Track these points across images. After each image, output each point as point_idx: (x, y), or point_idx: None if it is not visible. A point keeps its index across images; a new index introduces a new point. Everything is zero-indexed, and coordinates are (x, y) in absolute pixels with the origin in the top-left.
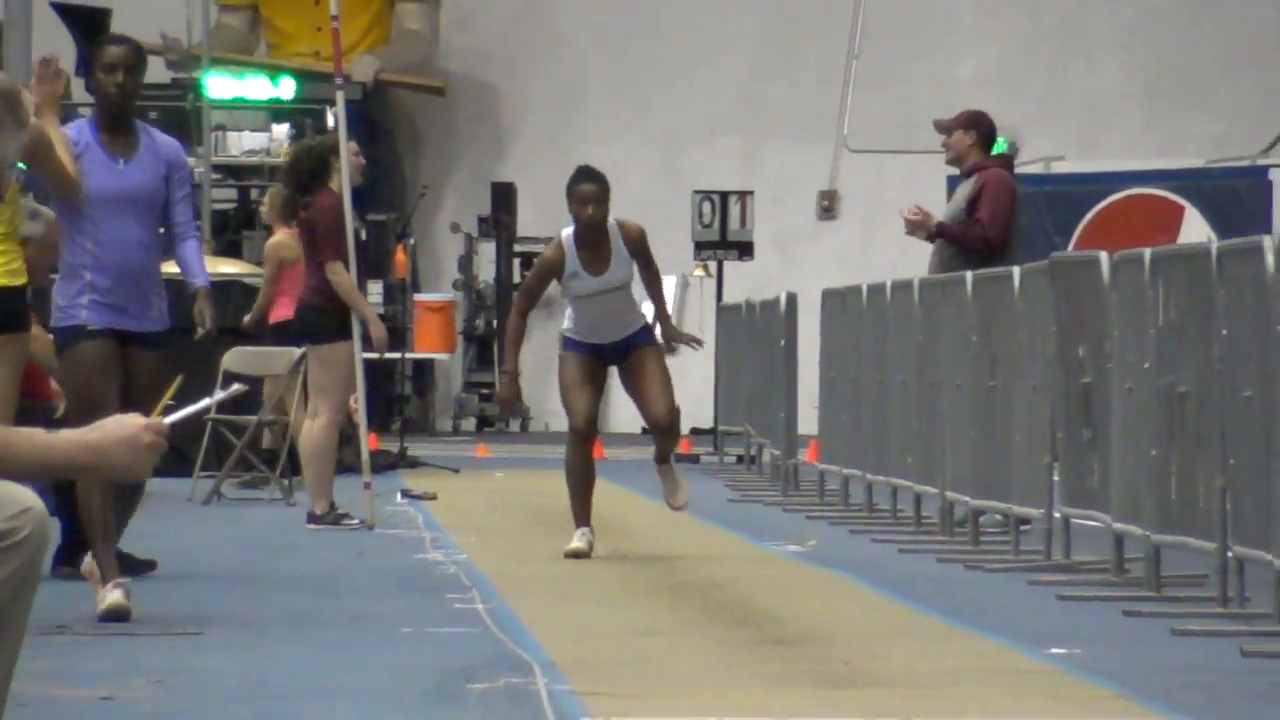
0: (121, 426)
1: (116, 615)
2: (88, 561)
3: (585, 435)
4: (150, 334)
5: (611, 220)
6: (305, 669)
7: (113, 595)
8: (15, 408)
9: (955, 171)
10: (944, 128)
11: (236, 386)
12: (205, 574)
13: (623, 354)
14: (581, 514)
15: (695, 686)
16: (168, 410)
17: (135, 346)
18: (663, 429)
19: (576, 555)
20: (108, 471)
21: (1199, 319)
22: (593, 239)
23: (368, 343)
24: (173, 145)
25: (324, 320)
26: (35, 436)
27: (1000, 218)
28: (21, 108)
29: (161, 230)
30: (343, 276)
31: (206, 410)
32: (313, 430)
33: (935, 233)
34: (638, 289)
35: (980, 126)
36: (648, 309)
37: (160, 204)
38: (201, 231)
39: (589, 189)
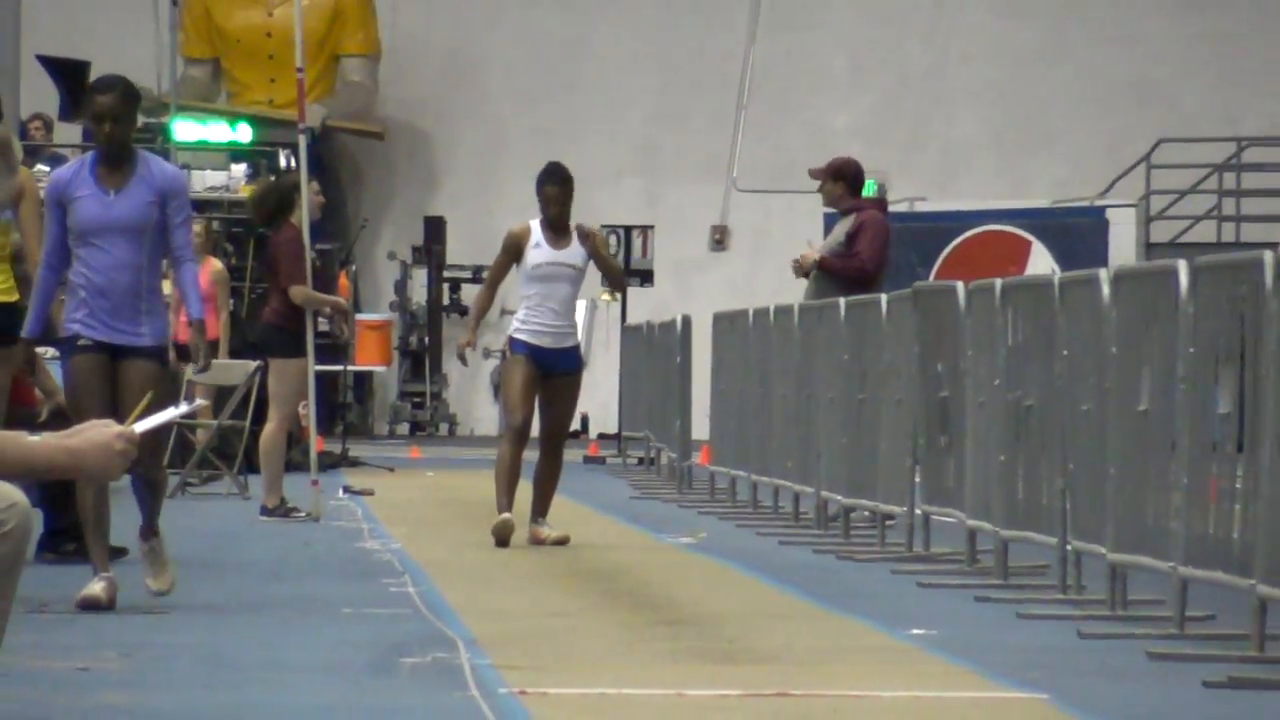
0: (97, 433)
1: (93, 605)
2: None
3: (520, 435)
4: (141, 348)
5: (574, 225)
6: (257, 645)
7: (95, 587)
8: (3, 412)
9: (832, 210)
10: (815, 176)
11: (199, 402)
12: (169, 559)
13: (552, 372)
14: (505, 503)
15: (599, 662)
16: (142, 417)
17: (126, 359)
18: (550, 448)
19: (502, 530)
20: (83, 473)
21: (1043, 341)
22: (556, 228)
23: (320, 358)
24: (170, 173)
25: (282, 339)
26: (21, 440)
27: (877, 252)
28: (12, 154)
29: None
30: (305, 292)
31: (172, 421)
32: (268, 431)
33: (817, 266)
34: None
35: (845, 175)
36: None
37: (150, 229)
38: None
39: (553, 191)
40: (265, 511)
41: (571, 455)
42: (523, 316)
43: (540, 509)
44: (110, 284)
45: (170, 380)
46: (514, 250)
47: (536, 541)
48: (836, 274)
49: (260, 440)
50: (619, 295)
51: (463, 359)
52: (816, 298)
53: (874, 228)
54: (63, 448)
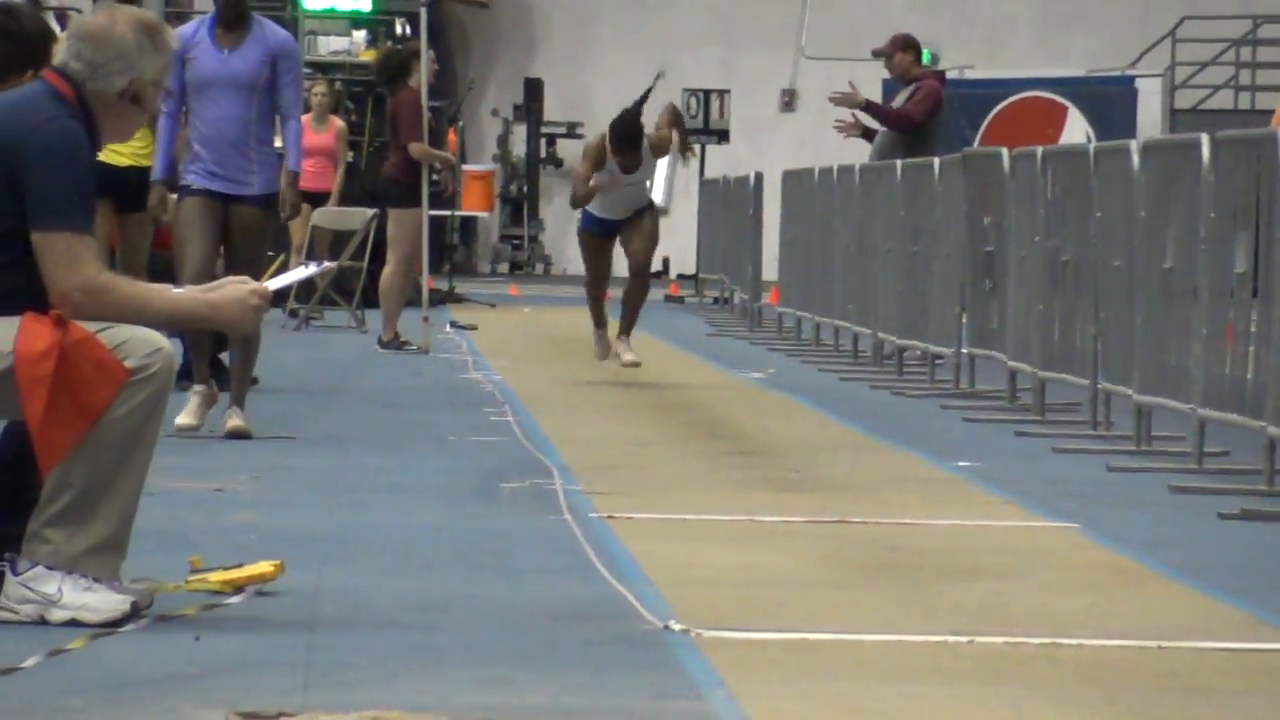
0: (234, 288)
1: (239, 435)
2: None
3: (599, 294)
4: (248, 196)
5: (645, 137)
6: (373, 469)
7: (234, 420)
8: (145, 261)
9: (891, 78)
10: (884, 53)
11: (327, 264)
12: (296, 389)
13: (628, 220)
14: (600, 318)
15: (678, 488)
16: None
17: (235, 205)
18: (635, 272)
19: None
20: (221, 324)
21: (1079, 203)
22: (627, 167)
23: (431, 205)
24: (282, 36)
25: (400, 190)
26: (168, 293)
27: (922, 107)
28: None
29: None
30: (422, 149)
31: (303, 278)
32: (387, 273)
33: (864, 105)
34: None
35: (912, 47)
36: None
37: (260, 87)
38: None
39: (625, 151)
40: (382, 344)
41: (653, 294)
42: (597, 199)
43: (625, 327)
44: (220, 135)
45: (275, 226)
46: (593, 162)
47: (615, 354)
48: (880, 116)
49: (380, 280)
50: (695, 152)
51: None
52: (879, 159)
53: (928, 91)
54: (204, 300)
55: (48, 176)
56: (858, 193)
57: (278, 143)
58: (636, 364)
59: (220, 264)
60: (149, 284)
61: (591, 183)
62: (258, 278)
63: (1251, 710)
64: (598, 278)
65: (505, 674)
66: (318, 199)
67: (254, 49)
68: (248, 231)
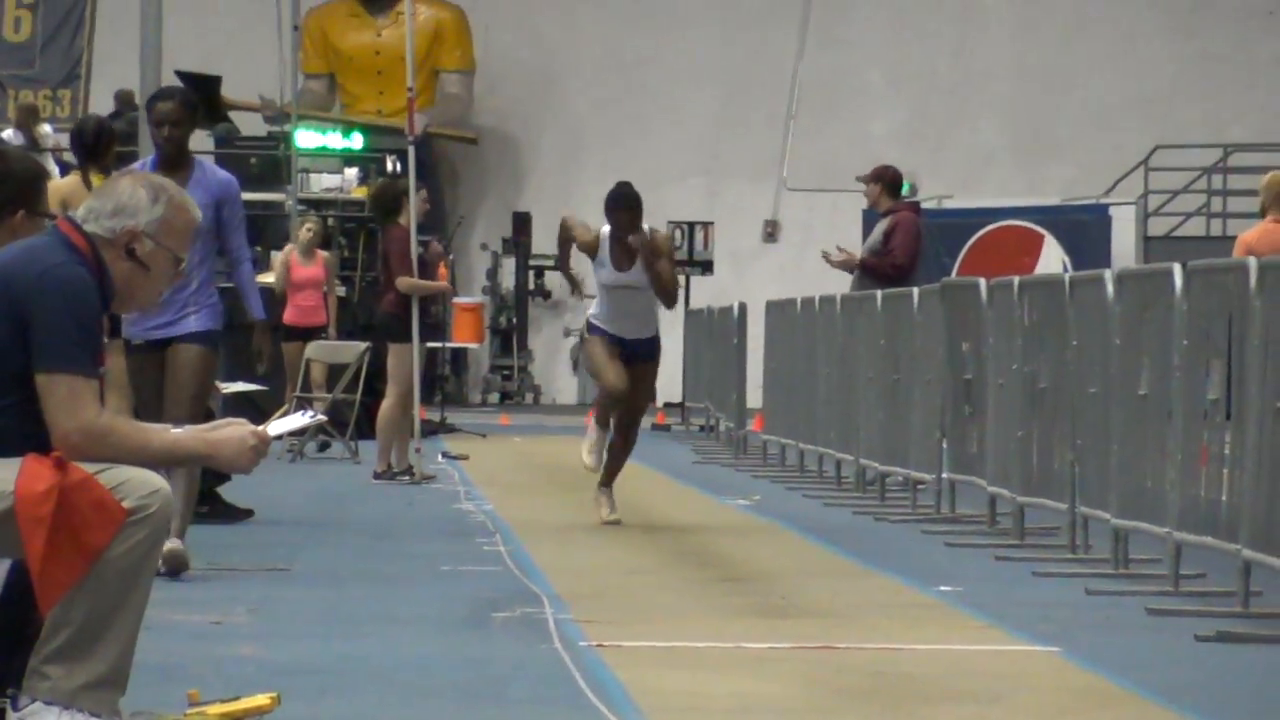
0: (234, 430)
1: (175, 563)
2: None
3: (620, 395)
4: (184, 335)
5: (646, 228)
6: (369, 599)
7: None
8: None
9: (872, 209)
10: (862, 180)
11: (320, 417)
12: (291, 520)
13: (631, 358)
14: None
15: (667, 616)
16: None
17: (175, 345)
18: (628, 425)
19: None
20: (219, 464)
21: (1055, 331)
22: (625, 242)
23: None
24: (224, 180)
25: (398, 325)
26: (167, 434)
27: (908, 250)
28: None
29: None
30: (409, 282)
31: (301, 429)
32: (386, 405)
33: (860, 267)
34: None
35: (884, 178)
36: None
37: (204, 231)
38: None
39: (624, 218)
40: (377, 475)
41: (641, 422)
42: (597, 313)
43: (607, 479)
44: None
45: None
46: (583, 247)
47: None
48: (874, 272)
49: (379, 413)
50: (669, 306)
51: (575, 287)
52: (859, 289)
53: (906, 226)
54: (203, 440)
55: (52, 320)
56: (839, 322)
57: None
58: (616, 522)
59: (218, 402)
60: (148, 425)
61: (572, 271)
62: (199, 415)
63: None
64: (614, 377)
65: None
66: (311, 333)
67: (197, 193)
68: (183, 370)
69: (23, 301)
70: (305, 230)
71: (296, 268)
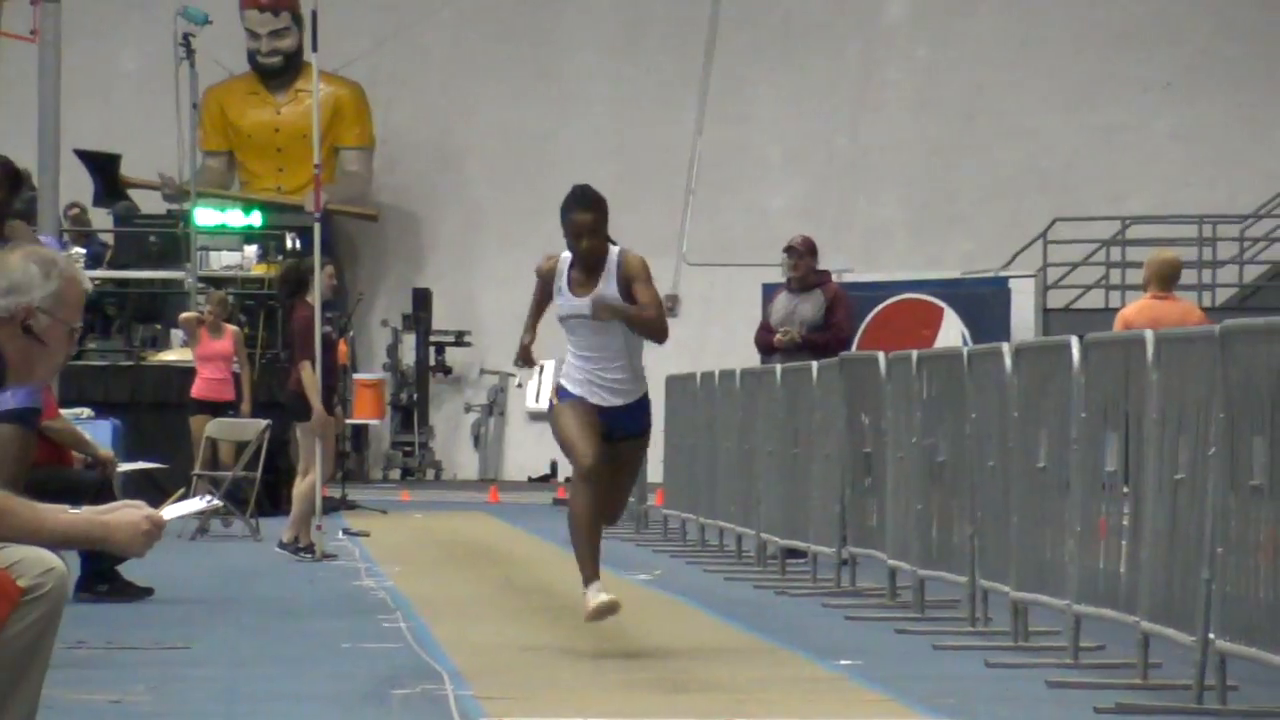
0: (128, 512)
1: None
2: None
3: (594, 475)
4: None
5: (616, 250)
6: (269, 677)
7: None
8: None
9: (768, 279)
10: (795, 249)
11: (216, 502)
12: (192, 598)
13: (613, 432)
14: (591, 570)
15: (568, 691)
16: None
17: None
18: (608, 517)
19: (603, 611)
20: (113, 546)
21: (954, 404)
22: (588, 264)
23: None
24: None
25: (305, 404)
26: (63, 514)
27: (848, 320)
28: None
29: None
30: (306, 374)
31: (197, 512)
32: (306, 481)
33: (805, 345)
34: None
35: (814, 250)
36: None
37: None
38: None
39: (583, 219)
40: (282, 545)
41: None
42: (566, 372)
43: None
44: None
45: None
46: (545, 287)
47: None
48: (823, 349)
49: (297, 487)
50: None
51: (525, 360)
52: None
53: (845, 300)
54: (98, 522)
55: None
56: (739, 396)
57: None
58: (612, 608)
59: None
60: (44, 505)
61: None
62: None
63: None
64: (594, 456)
65: None
66: (219, 408)
67: None
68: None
69: None
70: (213, 304)
71: (206, 341)
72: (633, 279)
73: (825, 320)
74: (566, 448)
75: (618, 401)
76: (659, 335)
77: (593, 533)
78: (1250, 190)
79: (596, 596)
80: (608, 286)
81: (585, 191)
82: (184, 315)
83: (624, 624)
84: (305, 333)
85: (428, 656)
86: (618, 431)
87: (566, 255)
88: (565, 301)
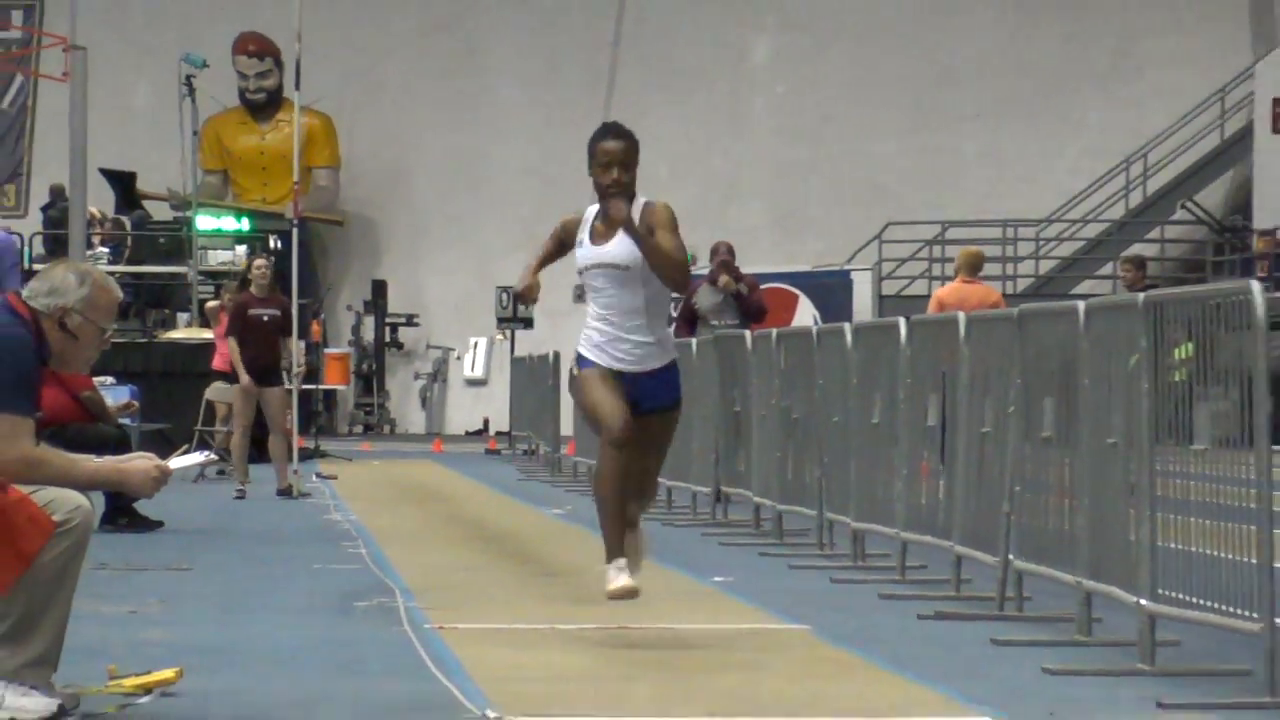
0: (143, 463)
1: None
2: None
3: (622, 442)
4: None
5: (642, 200)
6: (255, 592)
7: None
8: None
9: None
10: (724, 260)
11: (211, 455)
12: (193, 529)
13: (640, 402)
14: (616, 545)
15: (495, 603)
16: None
17: None
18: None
19: (624, 594)
20: (128, 488)
21: (805, 373)
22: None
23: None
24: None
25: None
26: (89, 463)
27: (762, 299)
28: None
29: None
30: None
31: (199, 465)
32: (275, 440)
33: (736, 291)
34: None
35: (733, 253)
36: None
37: None
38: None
39: (613, 146)
40: (279, 492)
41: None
42: (585, 337)
43: (631, 519)
44: None
45: None
46: (559, 236)
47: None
48: (745, 303)
49: (271, 446)
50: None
51: (524, 297)
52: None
53: (757, 285)
54: (117, 469)
55: None
56: None
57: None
58: (632, 593)
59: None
60: (75, 455)
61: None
62: None
63: None
64: (621, 420)
65: None
66: (234, 378)
67: None
68: None
69: None
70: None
71: (224, 323)
72: (657, 226)
73: (748, 297)
74: (591, 416)
75: (641, 368)
76: (678, 272)
77: (619, 504)
78: (1044, 201)
79: (618, 578)
80: (623, 240)
81: (617, 124)
82: (209, 304)
83: (541, 548)
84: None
85: (383, 575)
86: (645, 402)
87: (592, 208)
88: (586, 252)
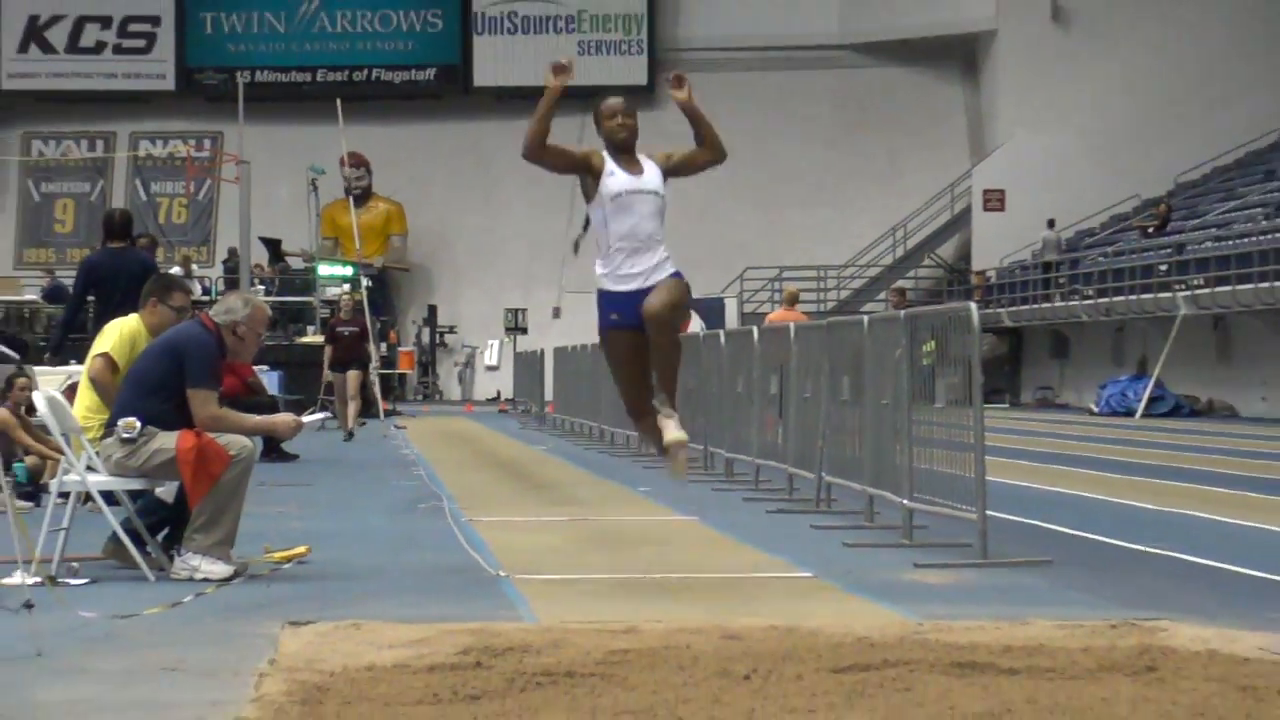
0: (286, 416)
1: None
2: None
3: (636, 414)
4: None
5: (641, 154)
6: (355, 498)
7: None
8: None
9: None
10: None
11: (327, 414)
12: (317, 460)
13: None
14: (655, 439)
15: (505, 505)
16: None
17: None
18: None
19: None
20: (277, 434)
21: (695, 360)
22: (626, 153)
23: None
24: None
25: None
26: (253, 418)
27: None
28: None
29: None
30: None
31: (320, 420)
32: (352, 403)
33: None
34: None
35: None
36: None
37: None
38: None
39: (615, 102)
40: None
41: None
42: (605, 270)
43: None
44: None
45: None
46: (577, 152)
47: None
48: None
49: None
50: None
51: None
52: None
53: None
54: (270, 422)
55: (195, 362)
56: (589, 357)
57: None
58: (681, 442)
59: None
60: (244, 414)
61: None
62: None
63: (774, 609)
64: (634, 392)
65: (416, 599)
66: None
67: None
68: None
69: (182, 351)
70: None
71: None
72: (669, 153)
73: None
74: (618, 379)
75: (653, 280)
76: (722, 150)
77: (645, 423)
78: (842, 253)
79: (674, 431)
80: (651, 172)
81: (614, 98)
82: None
83: (533, 470)
84: (327, 331)
85: (435, 487)
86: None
87: (604, 152)
88: (621, 180)
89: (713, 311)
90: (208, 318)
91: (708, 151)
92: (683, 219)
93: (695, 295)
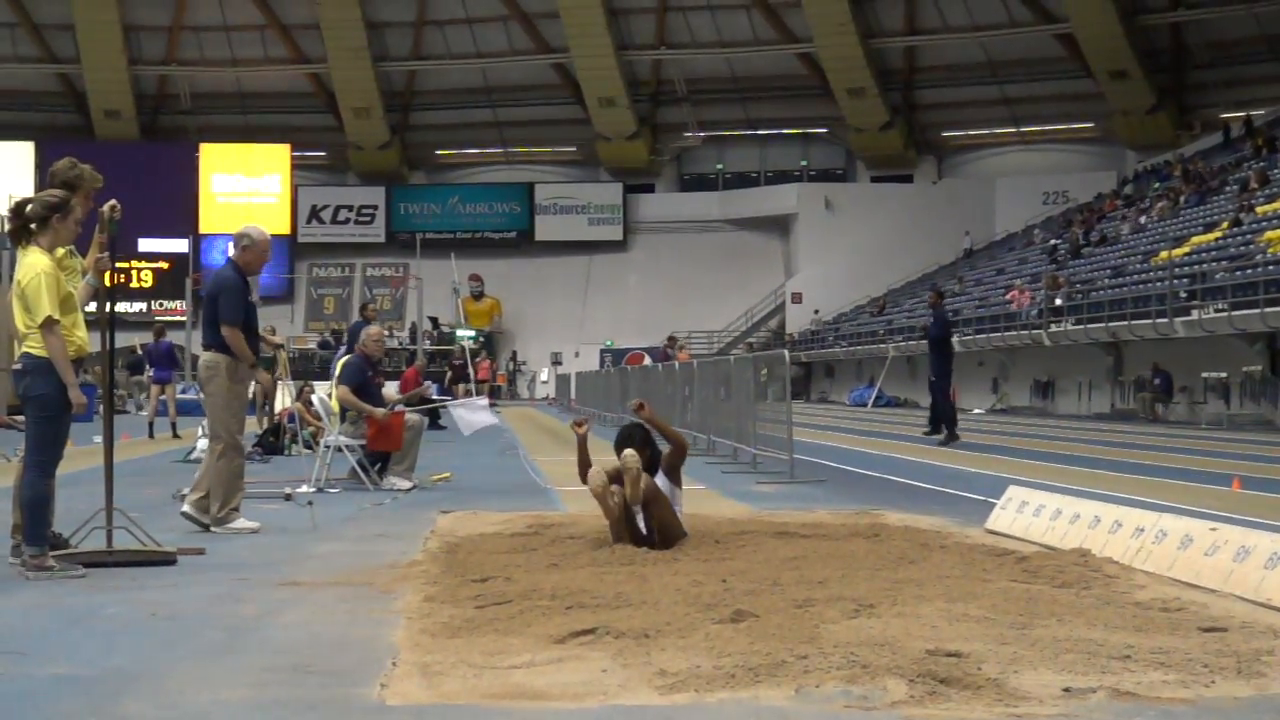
0: (384, 411)
1: None
2: None
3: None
4: None
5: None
6: (474, 449)
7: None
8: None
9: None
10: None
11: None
12: (451, 427)
13: None
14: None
15: (551, 450)
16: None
17: None
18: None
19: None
20: (372, 416)
21: (646, 388)
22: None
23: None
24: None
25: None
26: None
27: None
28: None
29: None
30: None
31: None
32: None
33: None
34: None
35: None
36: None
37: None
38: None
39: (627, 456)
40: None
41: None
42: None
43: None
44: None
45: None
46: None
47: None
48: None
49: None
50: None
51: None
52: None
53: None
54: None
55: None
56: (612, 378)
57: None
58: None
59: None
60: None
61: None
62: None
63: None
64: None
65: (503, 500)
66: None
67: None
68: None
69: (219, 291)
70: (457, 350)
71: (455, 360)
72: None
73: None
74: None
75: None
76: (683, 443)
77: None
78: (722, 322)
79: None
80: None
81: (627, 433)
82: (455, 361)
83: (566, 436)
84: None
85: (516, 442)
86: None
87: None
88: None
89: (658, 354)
90: (361, 348)
91: (676, 450)
92: (640, 308)
93: (646, 345)
